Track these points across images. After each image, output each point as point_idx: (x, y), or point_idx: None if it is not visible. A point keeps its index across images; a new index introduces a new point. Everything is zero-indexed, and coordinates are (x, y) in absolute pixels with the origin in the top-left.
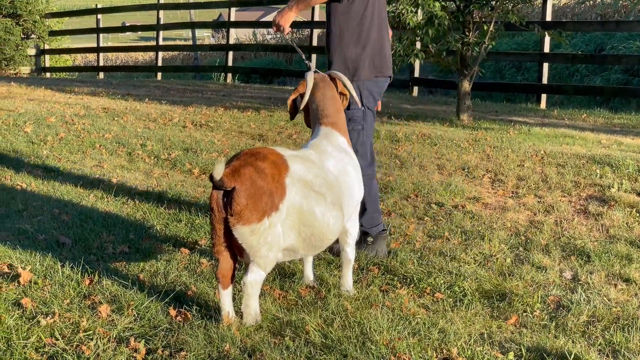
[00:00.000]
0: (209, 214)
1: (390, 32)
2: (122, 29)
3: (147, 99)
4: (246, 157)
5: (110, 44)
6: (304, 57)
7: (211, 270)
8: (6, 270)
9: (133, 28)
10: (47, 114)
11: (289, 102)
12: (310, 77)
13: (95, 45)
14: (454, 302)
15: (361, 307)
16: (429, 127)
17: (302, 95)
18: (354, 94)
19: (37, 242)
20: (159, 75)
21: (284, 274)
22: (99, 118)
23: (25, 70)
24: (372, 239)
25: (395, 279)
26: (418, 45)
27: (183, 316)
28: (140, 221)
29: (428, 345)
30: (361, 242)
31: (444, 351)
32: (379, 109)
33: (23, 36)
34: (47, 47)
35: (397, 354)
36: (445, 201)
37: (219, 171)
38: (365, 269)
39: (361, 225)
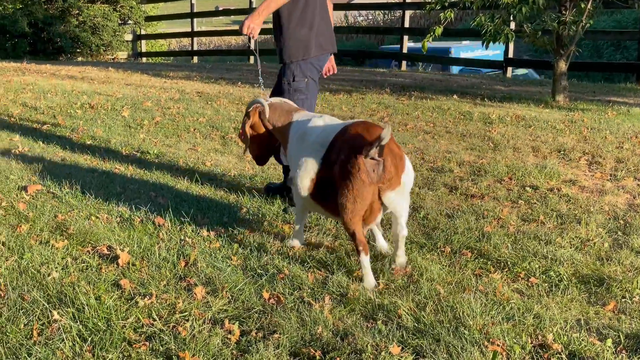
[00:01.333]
0: (347, 183)
1: (331, 8)
2: (216, 13)
3: (239, 83)
4: (371, 128)
5: (204, 28)
6: (259, 73)
7: (303, 253)
8: (106, 251)
9: (226, 12)
10: (143, 99)
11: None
12: (262, 101)
13: (189, 29)
14: (549, 287)
15: (454, 291)
16: (524, 108)
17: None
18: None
19: (134, 224)
20: (252, 58)
21: (374, 258)
22: (193, 102)
23: (122, 55)
24: None
25: (489, 263)
26: (512, 25)
27: (276, 299)
28: (234, 204)
29: (523, 330)
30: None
31: (539, 337)
32: (328, 74)
33: (120, 22)
34: (143, 32)
35: (490, 339)
36: (540, 184)
37: (388, 135)
38: (457, 253)
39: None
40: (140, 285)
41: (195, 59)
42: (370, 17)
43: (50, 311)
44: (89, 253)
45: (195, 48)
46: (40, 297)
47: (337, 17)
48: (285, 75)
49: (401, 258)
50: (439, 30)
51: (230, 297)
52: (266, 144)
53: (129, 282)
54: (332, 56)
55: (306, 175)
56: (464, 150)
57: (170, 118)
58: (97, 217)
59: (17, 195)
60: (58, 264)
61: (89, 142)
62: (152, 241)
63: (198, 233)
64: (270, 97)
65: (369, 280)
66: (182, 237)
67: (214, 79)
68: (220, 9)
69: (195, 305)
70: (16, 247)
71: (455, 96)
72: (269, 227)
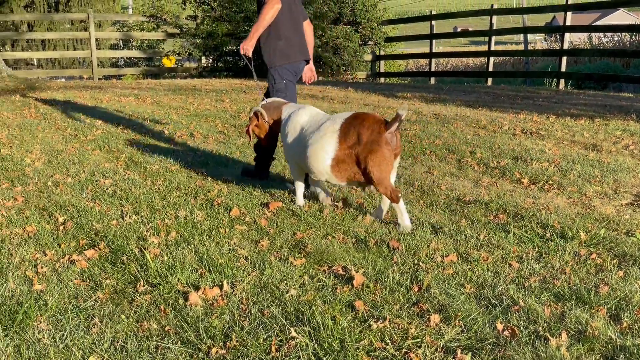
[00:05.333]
0: (376, 154)
1: (309, 28)
2: (455, 34)
3: (477, 105)
4: (370, 116)
5: (441, 49)
6: (257, 86)
7: (539, 285)
8: (341, 272)
9: (465, 33)
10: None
11: (250, 131)
12: (260, 110)
13: (427, 50)
14: None
15: None
16: None
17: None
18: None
19: (369, 246)
20: (489, 80)
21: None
22: (429, 124)
23: (361, 75)
24: None
25: None
26: None
27: (510, 331)
28: (467, 231)
29: None
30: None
31: None
32: (310, 82)
33: (360, 42)
34: (382, 52)
35: None
36: None
37: (405, 112)
38: None
39: None
40: (374, 307)
41: (433, 80)
42: (617, 39)
43: (288, 328)
44: (325, 272)
45: (433, 69)
46: (278, 313)
47: (579, 39)
48: (269, 79)
49: (403, 219)
50: None
51: (463, 326)
52: (270, 136)
53: (363, 304)
54: (312, 64)
55: (328, 154)
56: None
57: (406, 140)
58: (333, 237)
59: (259, 212)
60: (296, 281)
61: None
62: (386, 264)
63: (432, 258)
64: (263, 98)
65: (406, 220)
66: (416, 262)
67: (451, 101)
68: (459, 30)
69: (428, 332)
70: (257, 262)
71: None
72: (504, 256)
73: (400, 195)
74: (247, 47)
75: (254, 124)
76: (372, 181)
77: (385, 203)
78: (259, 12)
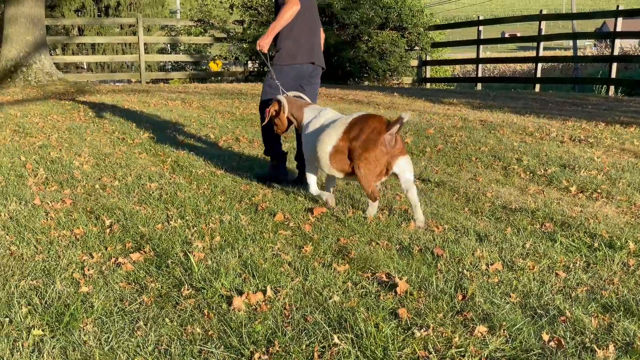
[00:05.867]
0: (372, 155)
1: (322, 32)
2: (502, 40)
3: (524, 112)
4: (376, 117)
5: (489, 54)
6: (275, 79)
7: (587, 295)
8: (384, 278)
9: (513, 39)
10: (426, 125)
11: (270, 112)
12: (283, 100)
13: (474, 56)
14: None
15: None
16: None
17: (277, 112)
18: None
19: (413, 253)
20: (537, 86)
21: None
22: (475, 130)
23: (407, 80)
24: None
25: None
26: None
27: (556, 342)
28: (512, 239)
29: None
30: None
31: None
32: None
33: (407, 48)
34: (428, 58)
35: None
36: None
37: (408, 117)
38: None
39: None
40: (417, 315)
41: (479, 86)
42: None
43: (330, 335)
44: (369, 279)
45: (480, 75)
46: (321, 319)
47: (630, 45)
48: (270, 72)
49: (418, 215)
50: None
51: (507, 336)
52: (283, 128)
53: (406, 311)
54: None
55: (330, 143)
56: None
57: (452, 146)
58: (377, 243)
59: (303, 217)
60: (339, 287)
61: None
62: (430, 271)
63: (477, 266)
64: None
65: (371, 211)
66: (460, 270)
67: (498, 107)
68: (507, 35)
69: (472, 341)
70: (301, 268)
71: None
72: (550, 265)
73: (378, 197)
74: (263, 44)
75: (274, 108)
76: (358, 176)
77: (417, 208)
78: (277, 13)
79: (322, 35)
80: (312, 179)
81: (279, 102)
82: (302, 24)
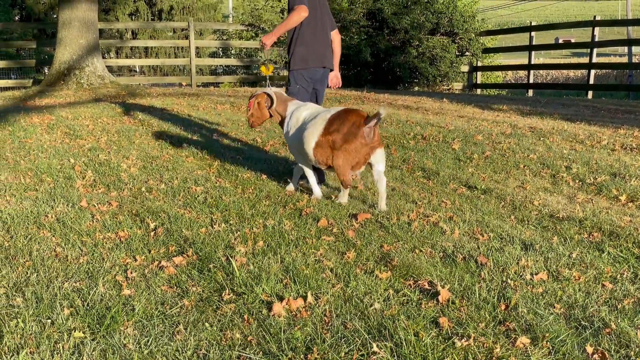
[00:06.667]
0: (352, 146)
1: (337, 38)
2: (555, 46)
3: (575, 119)
4: (354, 111)
5: (542, 60)
6: (297, 84)
7: (633, 308)
8: (427, 286)
9: (566, 45)
10: (474, 132)
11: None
12: (273, 94)
13: (526, 62)
14: None
15: None
16: None
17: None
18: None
19: (457, 261)
20: (590, 93)
21: None
22: (524, 137)
23: (457, 86)
24: None
25: None
26: None
27: (600, 355)
28: (558, 248)
29: None
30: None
31: None
32: (335, 87)
33: (457, 53)
34: (479, 64)
35: None
36: None
37: (385, 112)
38: None
39: None
40: (458, 325)
41: (531, 92)
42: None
43: (370, 342)
44: (411, 287)
45: (531, 81)
46: (361, 327)
47: None
48: (288, 80)
49: (382, 204)
50: None
51: (550, 348)
52: (261, 120)
53: (447, 320)
54: (337, 71)
55: (313, 137)
56: None
57: (500, 153)
58: (420, 251)
59: (347, 223)
60: (380, 295)
61: (418, 173)
62: (473, 280)
63: (521, 276)
64: (269, 85)
65: (342, 199)
66: (504, 279)
67: (548, 114)
68: (560, 41)
69: (514, 352)
70: (343, 274)
71: None
72: (597, 276)
73: (350, 185)
74: (266, 42)
75: (257, 100)
76: (335, 165)
77: (382, 199)
78: (289, 13)
79: (337, 38)
80: (311, 178)
81: (269, 96)
82: (313, 30)
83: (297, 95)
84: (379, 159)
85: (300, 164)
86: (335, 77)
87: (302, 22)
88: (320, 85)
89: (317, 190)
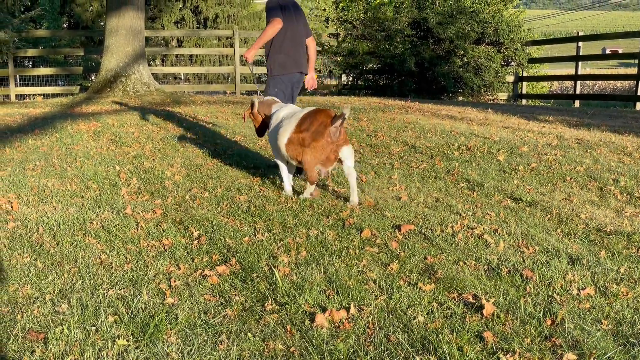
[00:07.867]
0: (319, 144)
1: (312, 45)
2: (603, 56)
3: (623, 130)
4: (324, 111)
5: (589, 70)
6: (257, 88)
7: None
8: (471, 300)
9: (613, 55)
10: (520, 143)
11: (246, 115)
12: (255, 101)
13: (572, 72)
14: None
15: None
16: None
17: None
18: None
19: (501, 274)
20: (638, 105)
21: None
22: (571, 149)
23: (502, 96)
24: None
25: None
26: None
27: None
28: (606, 263)
29: None
30: None
31: None
32: (311, 88)
33: (503, 63)
34: (525, 74)
35: None
36: None
37: (349, 112)
38: None
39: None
40: (503, 339)
41: (577, 103)
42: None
43: (413, 356)
44: (455, 300)
45: (578, 91)
46: (404, 340)
47: None
48: (266, 85)
49: (354, 197)
50: None
51: None
52: (261, 127)
53: (492, 335)
54: (312, 74)
55: (286, 134)
56: None
57: (546, 165)
58: (465, 263)
59: (390, 234)
60: (424, 307)
61: (462, 185)
62: (518, 294)
63: (567, 291)
64: (260, 92)
65: (306, 194)
66: (550, 293)
67: (595, 125)
68: (608, 51)
69: None
70: (386, 286)
71: None
72: None
73: (316, 181)
74: (248, 56)
75: (249, 111)
76: (303, 161)
77: (354, 192)
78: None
79: (312, 44)
80: (284, 173)
81: (252, 102)
82: (290, 39)
83: (276, 98)
84: (347, 155)
85: (276, 159)
86: (311, 78)
87: (278, 33)
88: (296, 87)
89: (288, 187)
